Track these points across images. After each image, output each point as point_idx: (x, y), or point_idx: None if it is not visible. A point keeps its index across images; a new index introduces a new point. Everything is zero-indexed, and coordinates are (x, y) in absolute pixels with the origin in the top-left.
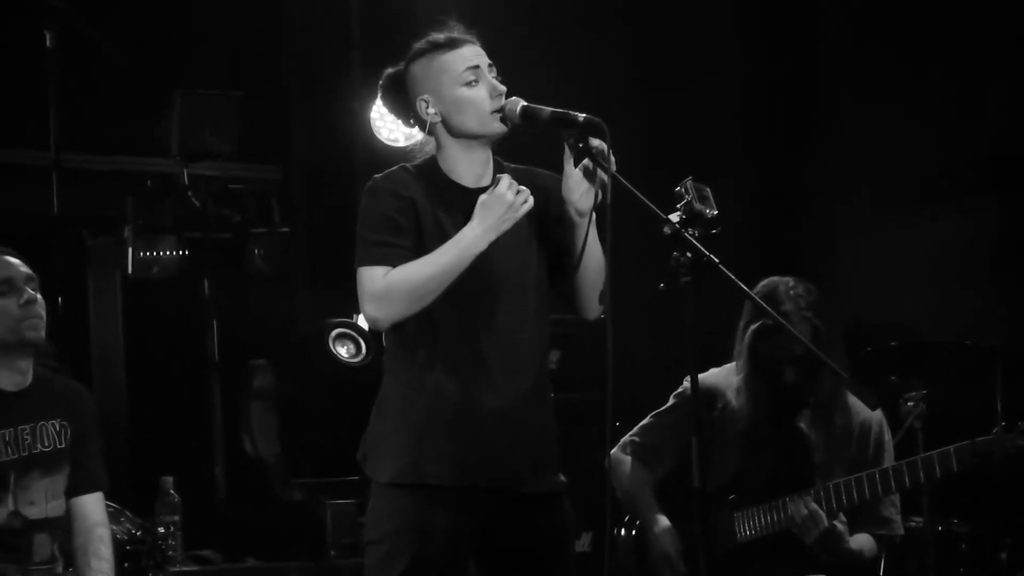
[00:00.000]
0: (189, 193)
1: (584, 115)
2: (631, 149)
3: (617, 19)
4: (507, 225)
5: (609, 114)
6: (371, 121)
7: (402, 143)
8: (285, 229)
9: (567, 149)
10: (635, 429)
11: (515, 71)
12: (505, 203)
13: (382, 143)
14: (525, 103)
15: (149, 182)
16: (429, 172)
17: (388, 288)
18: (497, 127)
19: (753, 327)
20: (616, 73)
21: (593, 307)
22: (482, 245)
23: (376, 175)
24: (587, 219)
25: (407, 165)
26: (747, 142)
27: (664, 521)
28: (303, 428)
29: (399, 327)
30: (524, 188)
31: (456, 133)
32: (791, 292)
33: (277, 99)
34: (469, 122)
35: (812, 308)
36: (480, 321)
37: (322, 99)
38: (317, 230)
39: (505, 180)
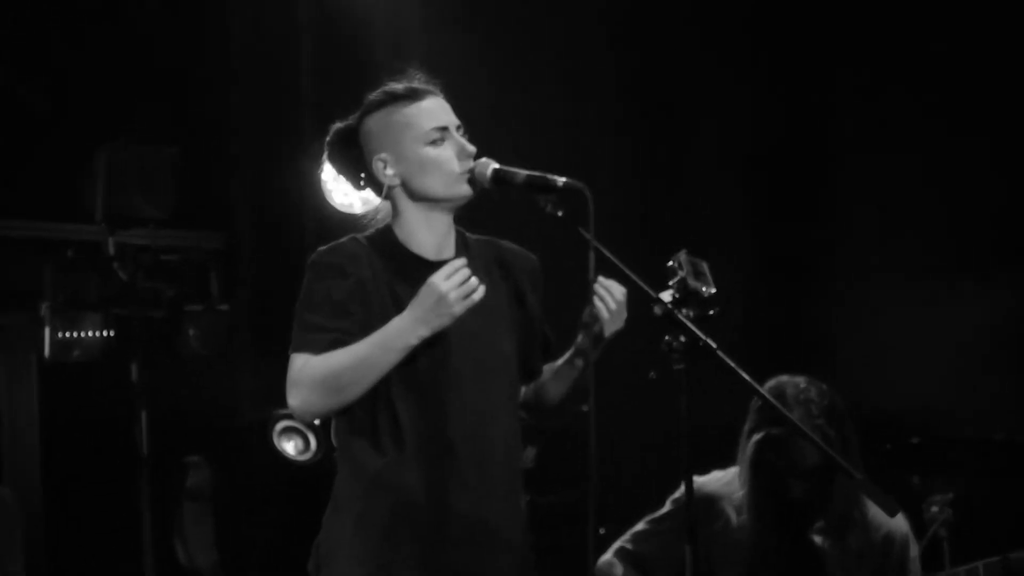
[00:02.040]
0: (115, 264)
1: (564, 179)
2: (617, 217)
3: (602, 71)
4: (442, 321)
5: (593, 177)
6: (323, 183)
7: (357, 209)
8: (225, 306)
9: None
10: (627, 535)
11: (486, 130)
12: (436, 295)
13: (335, 209)
14: (497, 165)
15: (69, 251)
16: (383, 243)
17: (304, 375)
18: (464, 191)
19: (756, 437)
20: (601, 131)
21: (553, 414)
22: (411, 339)
23: (321, 248)
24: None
25: (357, 236)
26: (748, 210)
27: None
28: (244, 534)
29: (350, 416)
30: (473, 279)
31: (417, 197)
32: (801, 396)
33: (217, 157)
34: (434, 185)
35: (825, 414)
36: (447, 410)
37: (268, 158)
38: (262, 307)
39: (448, 267)
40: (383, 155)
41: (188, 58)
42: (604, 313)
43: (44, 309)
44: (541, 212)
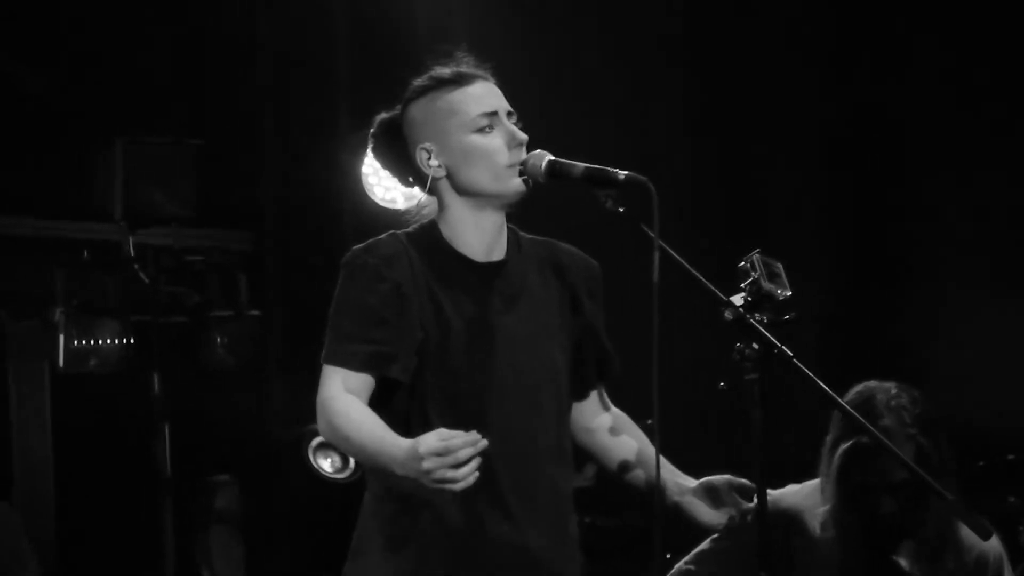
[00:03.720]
0: (135, 267)
1: (625, 172)
2: (683, 215)
3: (665, 55)
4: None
5: (656, 172)
6: (363, 178)
7: (400, 205)
8: (255, 312)
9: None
10: (689, 556)
11: (538, 119)
12: (414, 470)
13: (376, 205)
14: (552, 157)
15: (85, 253)
16: (427, 241)
17: (328, 406)
18: (515, 185)
19: (844, 447)
20: (664, 121)
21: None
22: (393, 470)
23: (356, 247)
24: None
25: (397, 233)
26: (829, 208)
27: None
28: (276, 559)
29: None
30: (466, 468)
31: (463, 191)
32: (892, 403)
33: (245, 149)
34: (481, 178)
35: (917, 423)
36: (487, 426)
37: (301, 150)
38: (294, 313)
39: (444, 443)
40: (426, 144)
41: (212, 43)
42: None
43: (57, 315)
44: (601, 209)
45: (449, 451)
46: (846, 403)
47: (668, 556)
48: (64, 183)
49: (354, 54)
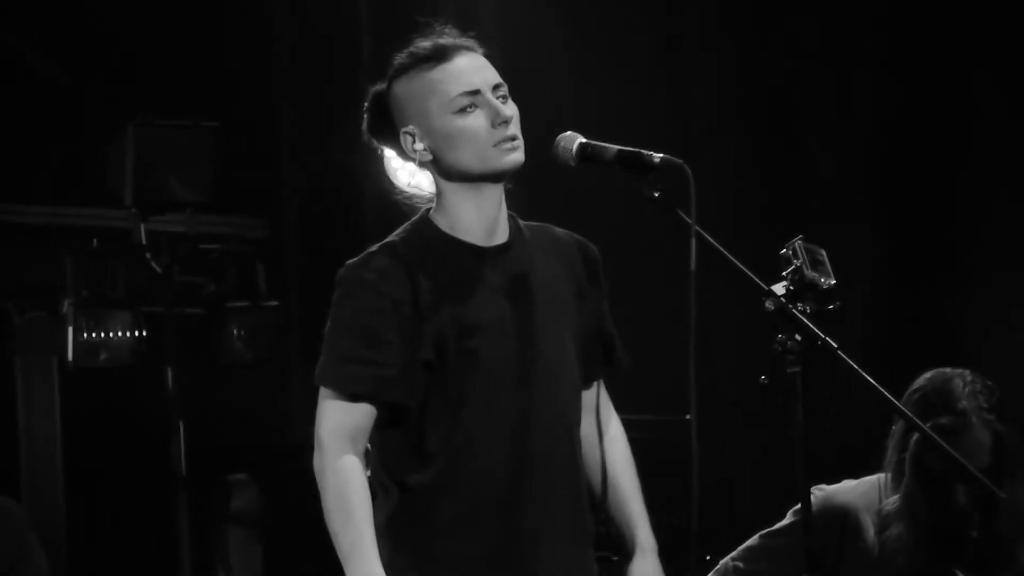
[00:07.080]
0: (148, 255)
1: (661, 155)
2: (722, 199)
3: (704, 34)
4: None
5: (693, 154)
6: (386, 162)
7: (426, 189)
8: (273, 303)
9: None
10: (737, 552)
11: (572, 101)
12: None
13: (401, 190)
14: (584, 140)
15: (95, 241)
16: (421, 236)
17: (323, 455)
18: (504, 162)
19: (927, 425)
20: (703, 105)
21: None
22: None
23: (350, 261)
24: None
25: (393, 241)
26: (874, 190)
27: None
28: (297, 563)
29: (389, 433)
30: None
31: (451, 175)
32: (969, 388)
33: (264, 132)
34: (465, 160)
35: (996, 410)
36: (516, 415)
37: (322, 132)
38: (315, 304)
39: None
40: (410, 127)
41: (228, 22)
42: None
43: (66, 306)
44: (635, 194)
45: None
46: (919, 388)
47: (708, 558)
48: (73, 168)
49: (376, 30)
